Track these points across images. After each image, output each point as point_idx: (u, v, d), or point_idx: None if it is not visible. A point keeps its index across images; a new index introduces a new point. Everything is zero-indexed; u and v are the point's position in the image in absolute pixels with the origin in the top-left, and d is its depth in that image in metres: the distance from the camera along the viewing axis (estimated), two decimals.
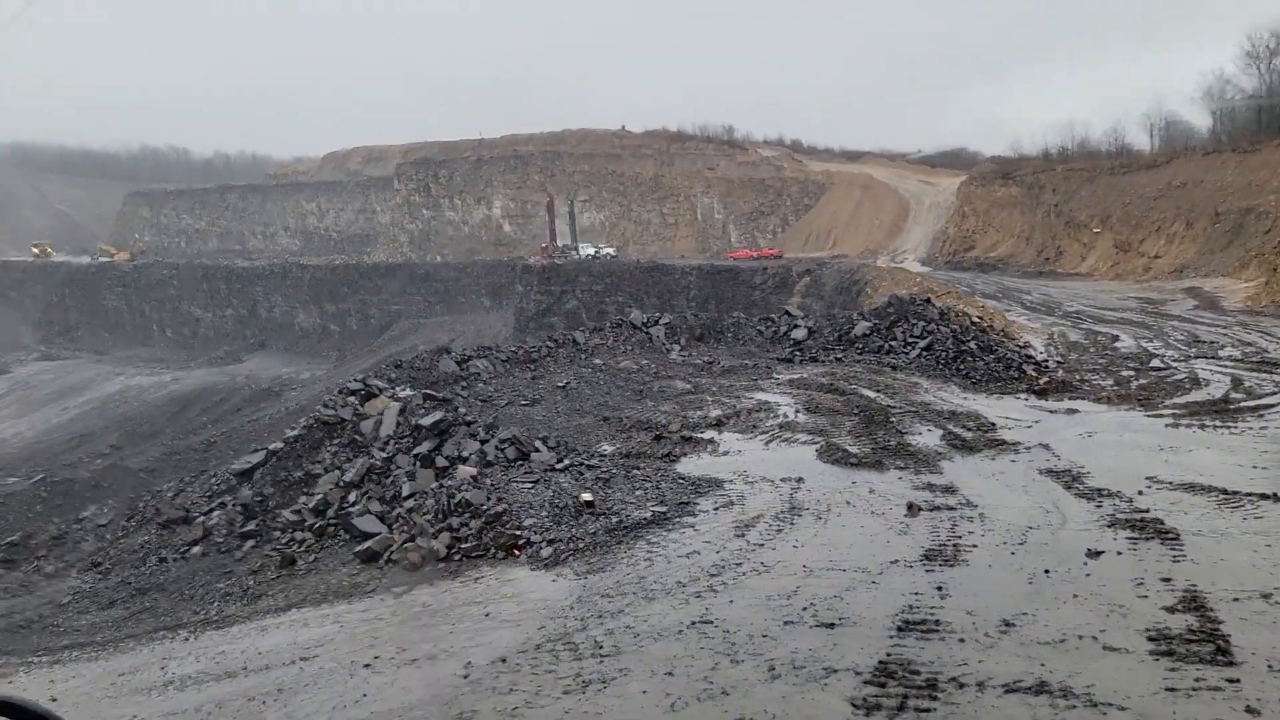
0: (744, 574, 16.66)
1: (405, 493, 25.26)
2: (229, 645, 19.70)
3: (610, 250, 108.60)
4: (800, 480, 22.28)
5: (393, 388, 30.95)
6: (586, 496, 22.57)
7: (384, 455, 27.24)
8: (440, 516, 22.82)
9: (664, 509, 21.89)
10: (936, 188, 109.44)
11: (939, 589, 15.07)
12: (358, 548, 23.10)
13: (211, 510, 28.69)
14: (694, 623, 14.73)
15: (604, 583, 18.59)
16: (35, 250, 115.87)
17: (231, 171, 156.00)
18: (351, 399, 30.46)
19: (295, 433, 30.44)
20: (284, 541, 25.37)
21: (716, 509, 21.24)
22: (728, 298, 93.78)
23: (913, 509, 19.18)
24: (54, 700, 18.64)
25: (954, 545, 17.14)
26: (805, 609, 14.48)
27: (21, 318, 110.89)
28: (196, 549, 26.54)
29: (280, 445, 30.76)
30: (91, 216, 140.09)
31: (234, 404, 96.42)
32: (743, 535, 19.11)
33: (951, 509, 19.40)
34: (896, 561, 16.47)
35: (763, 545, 18.17)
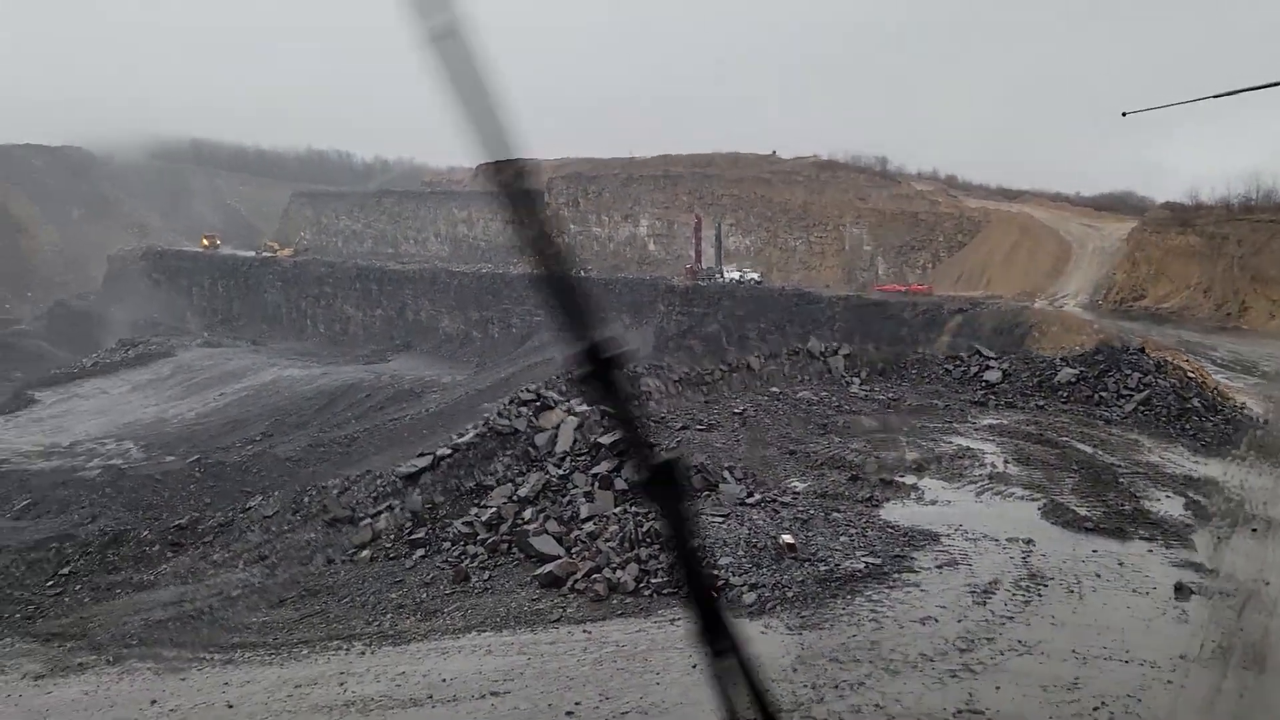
0: (1002, 653, 14.31)
1: (584, 514, 23.72)
2: (409, 666, 18.38)
3: (755, 275, 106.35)
4: (1030, 542, 19.73)
5: (567, 401, 29.58)
6: (787, 539, 20.57)
7: (560, 472, 25.80)
8: (626, 545, 21.15)
9: (877, 561, 19.70)
10: (1100, 232, 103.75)
11: (1242, 697, 12.52)
12: (537, 570, 21.61)
13: (379, 513, 27.75)
14: (960, 711, 12.52)
15: (827, 643, 16.52)
16: (205, 242, 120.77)
17: (389, 177, 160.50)
18: (524, 409, 29.21)
19: (465, 439, 29.34)
20: (455, 554, 24.12)
21: (940, 567, 18.89)
22: (874, 332, 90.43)
23: (1182, 591, 16.49)
24: (230, 708, 17.63)
25: (1250, 642, 14.45)
26: (1097, 709, 12.09)
27: (188, 304, 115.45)
28: (365, 553, 25.56)
29: (447, 451, 29.73)
30: (258, 213, 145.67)
31: (377, 402, 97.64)
32: (983, 603, 16.74)
33: (1227, 594, 16.65)
34: (1185, 656, 13.91)
35: (1012, 618, 15.77)
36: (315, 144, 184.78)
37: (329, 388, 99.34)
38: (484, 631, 19.27)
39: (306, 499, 31.41)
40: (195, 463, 70.30)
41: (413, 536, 25.43)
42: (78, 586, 29.23)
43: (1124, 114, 17.46)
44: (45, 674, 21.04)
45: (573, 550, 22.42)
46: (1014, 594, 16.86)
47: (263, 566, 26.60)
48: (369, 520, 27.55)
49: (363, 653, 19.05)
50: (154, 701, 18.10)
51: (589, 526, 22.93)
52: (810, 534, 21.28)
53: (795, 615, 17.54)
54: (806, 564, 19.72)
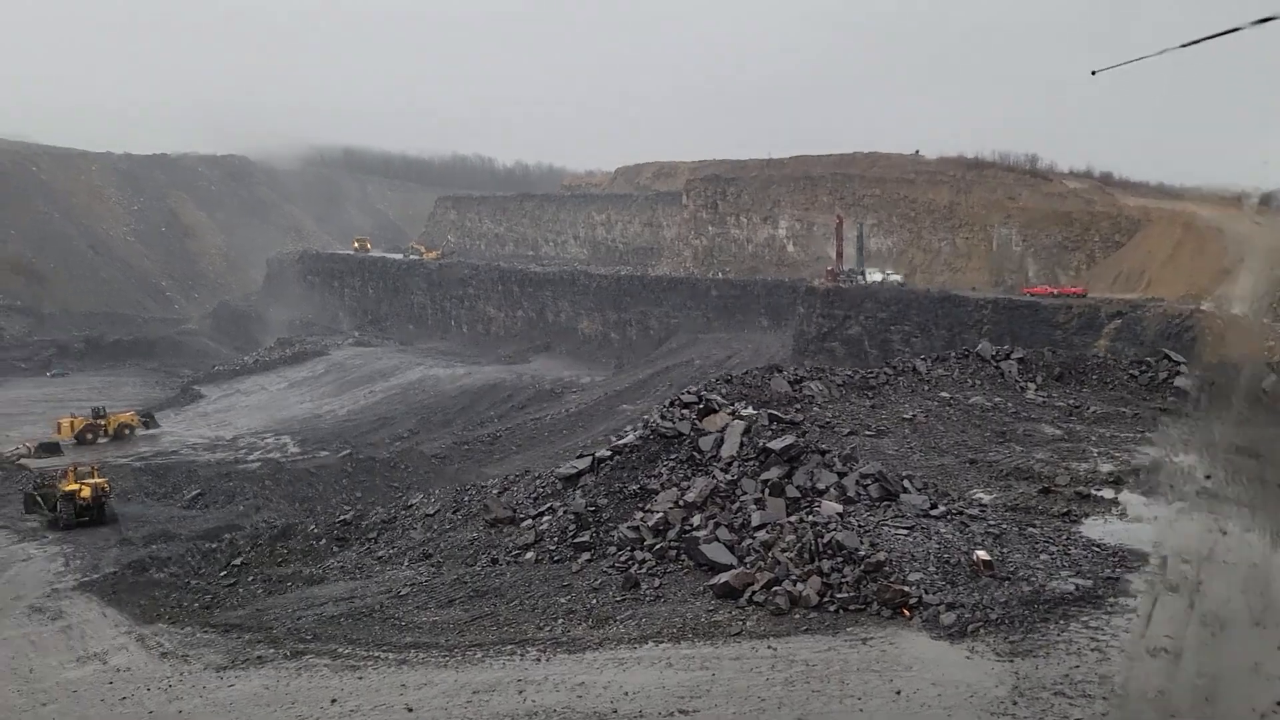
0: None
1: (755, 522, 22.67)
2: (588, 675, 17.68)
3: (897, 277, 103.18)
4: (1255, 566, 17.70)
5: (731, 404, 28.57)
6: (983, 555, 19.08)
7: (728, 477, 24.81)
8: (807, 557, 20.00)
9: (1087, 582, 18.03)
10: (1276, 232, 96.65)
11: None
12: (712, 580, 20.69)
13: (540, 514, 27.33)
14: None
15: (1046, 673, 15.02)
16: (356, 245, 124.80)
17: (530, 181, 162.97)
18: (686, 412, 28.35)
19: (626, 441, 28.69)
20: (622, 560, 23.42)
21: (1162, 592, 17.11)
22: (1024, 335, 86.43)
23: None
24: (410, 711, 17.29)
25: None
26: None
27: (340, 305, 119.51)
28: (529, 555, 25.11)
29: (608, 453, 29.14)
30: (405, 217, 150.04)
31: (519, 401, 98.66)
32: (1215, 634, 14.99)
33: None
34: None
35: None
36: (459, 150, 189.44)
37: (472, 387, 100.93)
38: (661, 642, 18.45)
39: (467, 498, 31.31)
40: (347, 458, 71.96)
41: (577, 539, 24.86)
42: (250, 578, 29.82)
43: (1093, 72, 15.77)
44: (227, 665, 21.28)
45: (746, 560, 21.42)
46: (1253, 624, 15.00)
47: (428, 565, 26.51)
48: (531, 521, 27.17)
49: (538, 659, 18.49)
50: (334, 700, 17.95)
51: (762, 535, 21.88)
52: (1006, 550, 19.70)
53: (1003, 640, 16.09)
54: (1006, 583, 18.21)
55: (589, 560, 24.01)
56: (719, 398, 29.17)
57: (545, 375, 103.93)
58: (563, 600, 21.76)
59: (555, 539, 25.53)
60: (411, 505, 32.81)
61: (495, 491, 30.86)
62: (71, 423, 67.32)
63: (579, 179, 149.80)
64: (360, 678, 19.03)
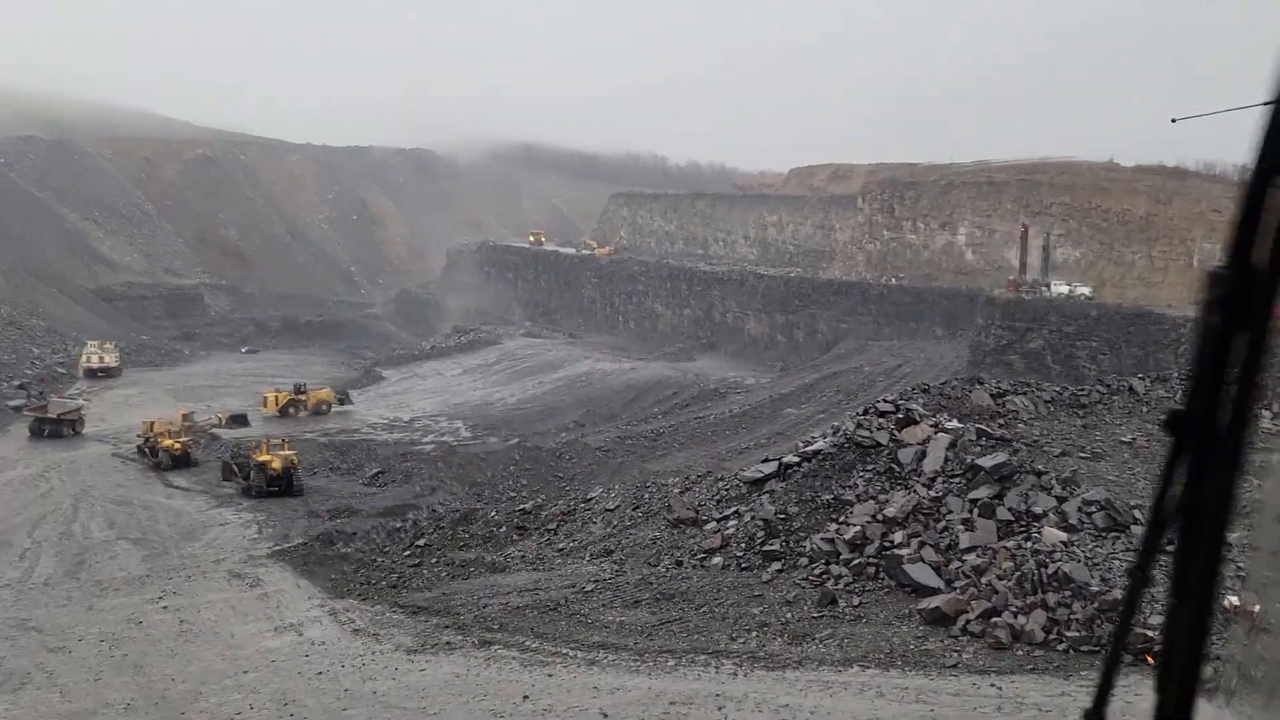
0: None
1: (964, 544, 20.98)
2: (791, 697, 16.54)
3: (1086, 290, 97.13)
4: None
5: (933, 415, 26.82)
6: (1239, 601, 16.94)
7: (931, 494, 23.19)
8: (1028, 587, 18.27)
9: None
10: None
11: None
12: (921, 604, 19.22)
13: (725, 518, 26.37)
14: None
15: None
16: (531, 238, 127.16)
17: (701, 180, 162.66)
18: (882, 421, 26.77)
19: (817, 448, 27.35)
20: (817, 573, 22.15)
21: None
22: None
23: None
24: (605, 716, 16.62)
25: None
26: None
27: (514, 296, 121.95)
28: (716, 560, 24.15)
29: (795, 459, 27.89)
30: (578, 212, 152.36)
31: (683, 399, 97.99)
32: None
33: None
34: None
35: None
36: (633, 148, 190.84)
37: (637, 382, 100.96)
38: (868, 667, 17.13)
39: (647, 495, 30.64)
40: (515, 445, 72.79)
41: (766, 547, 23.74)
42: (434, 560, 30.02)
43: (1173, 120, 13.21)
44: (416, 649, 21.18)
45: (954, 584, 19.82)
46: None
47: (610, 562, 25.93)
48: (715, 525, 26.23)
49: (734, 673, 17.48)
50: (526, 697, 17.45)
51: (972, 559, 20.20)
52: (1273, 600, 17.40)
53: (1265, 704, 14.02)
54: (1265, 635, 16.03)
55: (779, 571, 22.83)
56: (919, 408, 27.41)
57: (710, 374, 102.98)
58: (755, 611, 20.66)
59: (743, 545, 24.46)
60: (591, 499, 32.39)
61: (677, 491, 30.04)
62: (276, 396, 70.57)
63: (751, 179, 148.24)
64: (550, 675, 18.47)
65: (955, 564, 20.50)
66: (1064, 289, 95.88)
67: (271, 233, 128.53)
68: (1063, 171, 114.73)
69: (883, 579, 21.08)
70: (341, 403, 75.56)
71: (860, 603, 20.34)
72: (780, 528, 24.48)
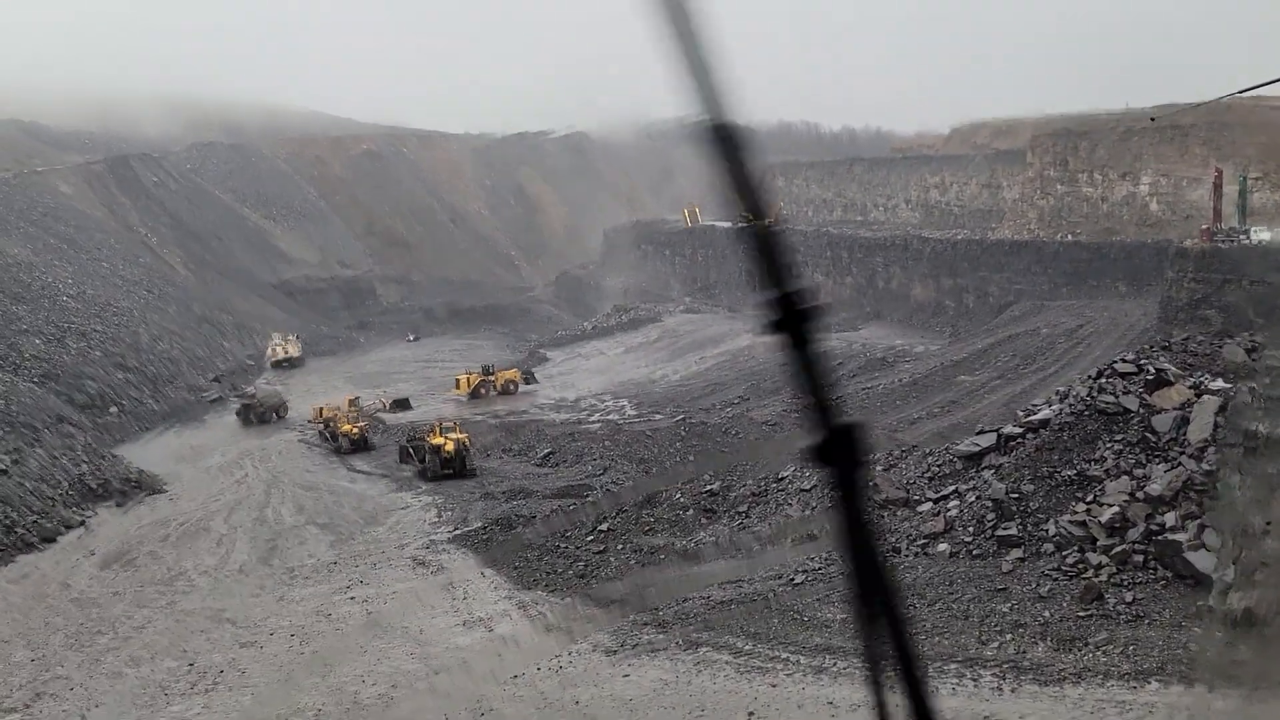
0: None
1: (1261, 527, 17.29)
2: None
3: None
4: None
5: (1191, 375, 22.80)
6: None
7: (1203, 467, 19.44)
8: None
9: None
10: None
11: None
12: (1225, 603, 15.73)
13: (944, 498, 23.18)
14: None
15: None
16: (686, 213, 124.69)
17: (856, 146, 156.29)
18: (1125, 383, 22.89)
19: (1044, 416, 23.70)
20: (1070, 561, 18.82)
21: None
22: None
23: None
24: None
25: None
26: None
27: (672, 273, 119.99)
28: (942, 546, 21.09)
29: (1018, 430, 24.38)
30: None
31: (849, 370, 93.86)
32: None
33: None
34: None
35: None
36: (785, 117, 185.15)
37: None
38: (1169, 683, 13.82)
39: None
40: (681, 422, 70.82)
41: (1001, 531, 20.48)
42: (619, 545, 27.96)
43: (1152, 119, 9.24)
44: (616, 649, 18.97)
45: (1255, 576, 16.14)
46: None
47: (816, 549, 23.14)
48: (932, 505, 23.06)
49: (998, 688, 14.44)
50: (751, 714, 14.95)
51: (1272, 544, 16.45)
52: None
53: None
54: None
55: (1021, 559, 19.53)
56: (1174, 368, 23.32)
57: (876, 343, 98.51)
58: (1004, 609, 17.47)
59: (970, 529, 21.21)
60: (783, 478, 29.58)
61: (880, 468, 26.88)
62: (469, 378, 71.72)
63: (909, 142, 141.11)
64: (774, 685, 15.88)
65: (1250, 551, 16.76)
66: (1265, 235, 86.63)
67: (434, 221, 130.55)
68: (1256, 111, 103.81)
69: (1155, 569, 17.55)
70: (527, 382, 76.65)
71: (1134, 599, 16.90)
72: (1015, 509, 21.09)
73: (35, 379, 55.22)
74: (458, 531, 34.51)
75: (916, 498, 23.98)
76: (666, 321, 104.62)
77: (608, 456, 59.82)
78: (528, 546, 29.97)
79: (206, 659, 21.45)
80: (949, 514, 22.02)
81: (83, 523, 36.63)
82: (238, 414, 60.27)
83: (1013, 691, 14.28)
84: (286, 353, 79.96)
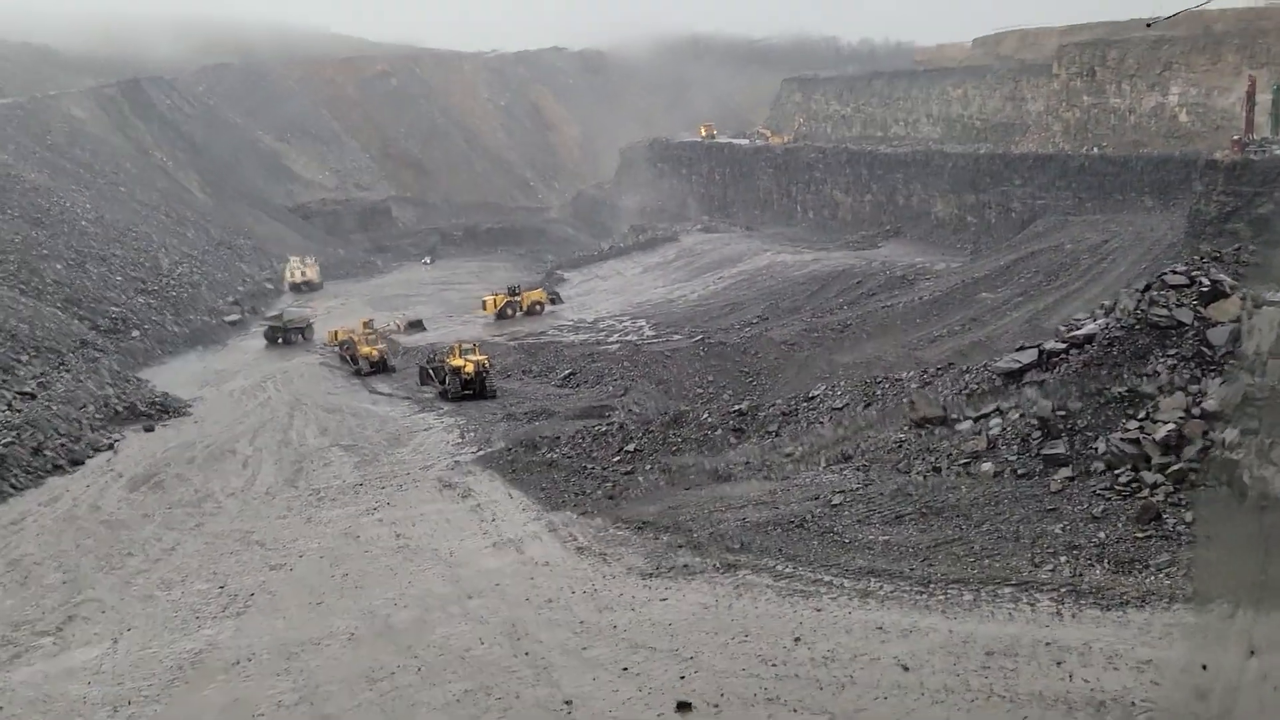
0: None
1: None
2: (1154, 650, 12.74)
3: None
4: None
5: (1246, 285, 21.64)
6: None
7: (1264, 381, 18.44)
8: None
9: None
10: None
11: None
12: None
13: (984, 416, 22.29)
14: None
15: None
16: (702, 132, 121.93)
17: (876, 59, 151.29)
18: (1175, 295, 21.76)
19: (1089, 331, 22.62)
20: (1122, 480, 18.01)
21: None
22: None
23: None
24: (905, 670, 13.31)
25: None
26: None
27: (689, 191, 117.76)
28: (986, 465, 20.25)
29: (1058, 345, 23.38)
30: (750, 102, 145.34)
31: (869, 289, 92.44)
32: None
33: None
34: None
35: None
36: (803, 30, 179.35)
37: (820, 273, 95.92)
38: (1236, 606, 13.07)
39: (879, 391, 26.75)
40: (699, 342, 70.04)
41: (1047, 450, 19.63)
42: (648, 466, 27.29)
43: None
44: (651, 572, 18.36)
45: None
46: None
47: (852, 469, 22.35)
48: (972, 424, 22.19)
49: (1056, 612, 13.71)
50: (798, 639, 14.30)
51: None
52: None
53: None
54: None
55: (1071, 479, 18.71)
56: (1229, 278, 22.12)
57: (896, 261, 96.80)
58: (1056, 530, 16.71)
59: (1015, 448, 20.37)
60: (814, 397, 28.71)
61: (915, 385, 25.98)
62: (495, 300, 71.31)
63: (931, 53, 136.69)
64: (818, 609, 15.22)
65: None
66: None
67: (450, 143, 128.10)
68: None
69: (1213, 487, 16.70)
70: (553, 302, 76.31)
71: (1194, 519, 16.09)
72: (1062, 427, 20.18)
73: (58, 304, 54.72)
74: (481, 452, 34.04)
75: (954, 416, 23.10)
76: (684, 241, 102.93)
77: (628, 377, 59.22)
78: (553, 467, 29.40)
79: (237, 581, 21.04)
80: (991, 432, 21.16)
81: (110, 446, 36.31)
82: (265, 335, 60.40)
83: (1073, 616, 13.56)
84: (305, 276, 79.23)
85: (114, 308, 57.94)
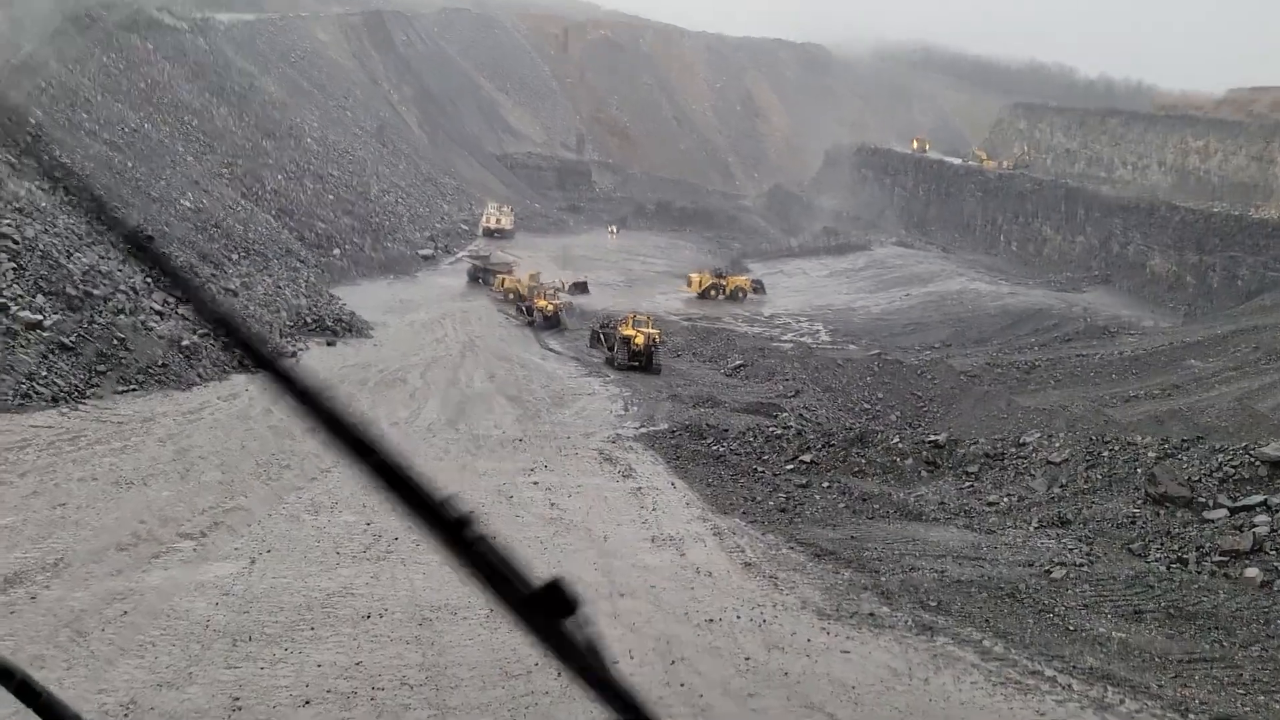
0: None
1: None
2: None
3: None
4: None
5: None
6: None
7: None
8: None
9: None
10: None
11: None
12: None
13: (1245, 508, 18.41)
14: None
15: None
16: (915, 144, 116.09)
17: (1113, 96, 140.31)
18: None
19: None
20: None
21: None
22: None
23: None
24: None
25: None
26: None
27: (889, 203, 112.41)
28: (1251, 571, 16.59)
29: None
30: (968, 121, 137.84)
31: (1064, 333, 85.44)
32: None
33: None
34: None
35: None
36: (1037, 56, 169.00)
37: (1015, 308, 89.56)
38: None
39: (1107, 452, 22.94)
40: (875, 356, 66.00)
41: None
42: (825, 483, 24.46)
43: None
44: (830, 614, 15.65)
45: None
46: None
47: (1072, 537, 18.89)
48: (1229, 515, 18.33)
49: None
50: None
51: None
52: None
53: None
54: None
55: None
56: None
57: (1099, 310, 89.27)
58: None
59: None
60: (1026, 444, 25.08)
61: (1152, 455, 22.05)
62: (700, 278, 69.90)
63: (1174, 99, 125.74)
64: (1040, 714, 12.15)
65: None
66: None
67: (659, 117, 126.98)
68: None
69: None
70: (756, 291, 74.33)
71: None
72: None
73: (273, 212, 56.27)
74: (644, 430, 32.06)
75: (1204, 500, 19.25)
76: (876, 251, 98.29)
77: (798, 379, 56.26)
78: (720, 462, 26.98)
79: (383, 521, 19.57)
80: (1257, 530, 17.31)
81: (294, 353, 36.36)
82: (469, 273, 61.13)
83: None
84: (499, 223, 79.51)
85: (321, 224, 59.20)
